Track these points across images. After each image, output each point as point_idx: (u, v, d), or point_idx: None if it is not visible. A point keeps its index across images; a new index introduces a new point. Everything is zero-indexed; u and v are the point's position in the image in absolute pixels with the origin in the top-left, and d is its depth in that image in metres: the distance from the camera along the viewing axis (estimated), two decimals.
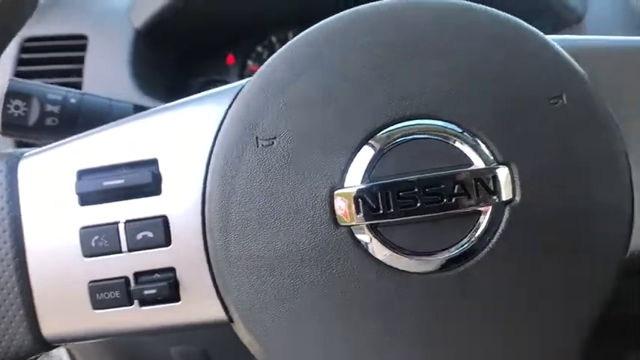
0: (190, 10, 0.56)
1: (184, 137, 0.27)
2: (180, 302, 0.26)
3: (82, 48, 0.54)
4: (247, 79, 0.28)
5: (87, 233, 0.26)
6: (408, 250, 0.25)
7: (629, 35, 0.55)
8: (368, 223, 0.25)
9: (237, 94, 0.27)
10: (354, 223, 0.25)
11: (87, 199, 0.27)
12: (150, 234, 0.26)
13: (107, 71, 0.49)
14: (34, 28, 0.58)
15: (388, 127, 0.25)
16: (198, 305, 0.27)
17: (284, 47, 0.27)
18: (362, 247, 0.25)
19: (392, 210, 0.24)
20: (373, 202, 0.24)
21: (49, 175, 0.28)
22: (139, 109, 0.42)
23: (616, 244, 0.25)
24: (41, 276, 0.27)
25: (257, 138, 0.25)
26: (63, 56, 0.55)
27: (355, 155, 0.25)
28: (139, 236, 0.26)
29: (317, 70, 0.26)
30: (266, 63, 0.27)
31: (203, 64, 0.69)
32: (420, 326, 0.25)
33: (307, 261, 0.25)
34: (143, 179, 0.26)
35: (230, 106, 0.27)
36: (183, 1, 0.55)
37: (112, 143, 0.27)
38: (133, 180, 0.26)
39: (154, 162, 0.27)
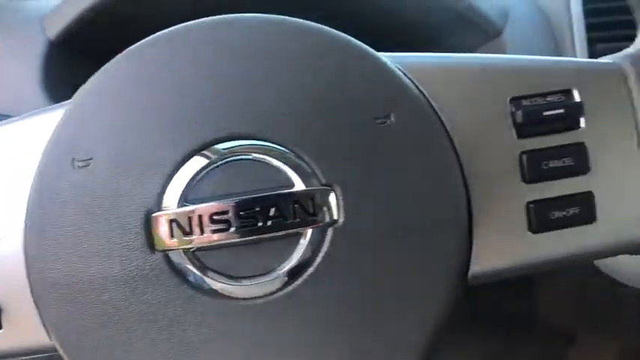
0: (110, 18, 0.55)
1: (15, 154, 0.26)
2: (1, 330, 0.26)
3: None
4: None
5: None
6: (226, 275, 0.24)
7: (546, 52, 0.53)
8: (182, 247, 0.24)
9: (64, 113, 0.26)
10: (168, 247, 0.24)
11: None
12: None
13: (16, 82, 0.48)
14: None
15: (207, 147, 0.24)
16: (23, 332, 0.26)
17: (109, 62, 0.26)
18: (179, 273, 0.24)
19: (205, 234, 0.23)
20: (187, 226, 0.23)
21: None
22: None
23: (451, 260, 0.24)
24: None
25: (73, 159, 0.24)
26: None
27: (172, 178, 0.24)
28: None
29: (136, 89, 0.25)
30: (89, 80, 0.26)
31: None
32: (241, 352, 0.24)
33: (122, 287, 0.24)
34: None
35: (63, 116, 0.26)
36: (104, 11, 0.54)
37: None
38: None
39: None
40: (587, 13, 0.53)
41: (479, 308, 0.60)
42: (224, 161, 0.24)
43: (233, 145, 0.24)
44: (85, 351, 0.24)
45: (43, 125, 0.26)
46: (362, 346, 0.24)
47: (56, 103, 0.54)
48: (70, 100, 0.27)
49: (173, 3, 0.56)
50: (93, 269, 0.24)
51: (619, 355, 0.64)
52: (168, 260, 0.24)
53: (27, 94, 0.50)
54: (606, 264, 0.50)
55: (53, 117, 0.26)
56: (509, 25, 0.55)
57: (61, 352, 0.25)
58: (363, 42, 0.26)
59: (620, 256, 0.29)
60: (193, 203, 0.24)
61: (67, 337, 0.24)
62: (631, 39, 0.31)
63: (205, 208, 0.23)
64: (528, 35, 0.56)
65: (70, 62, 0.56)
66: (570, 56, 0.52)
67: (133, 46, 0.26)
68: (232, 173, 0.24)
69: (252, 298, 0.24)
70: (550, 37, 0.54)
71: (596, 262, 0.48)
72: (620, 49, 0.30)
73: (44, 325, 0.25)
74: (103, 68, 0.26)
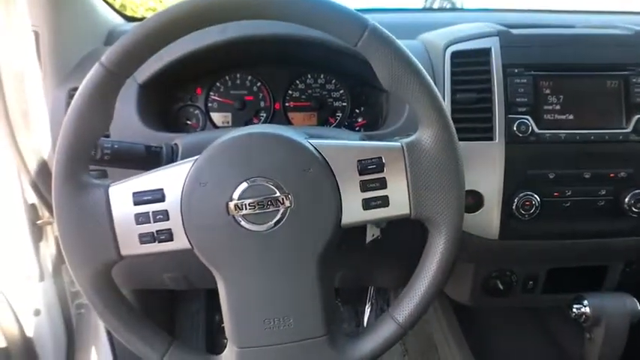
0: (175, 67, 0.80)
1: (174, 179, 0.56)
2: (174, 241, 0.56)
3: None
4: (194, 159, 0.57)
5: (136, 216, 0.56)
6: (254, 223, 0.57)
7: None
8: (238, 214, 0.57)
9: (192, 165, 0.56)
10: (233, 214, 0.57)
11: (136, 203, 0.56)
12: (162, 217, 0.57)
13: (122, 113, 0.71)
14: (77, 81, 0.80)
15: (248, 180, 0.57)
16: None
17: (216, 145, 0.58)
18: (237, 222, 0.57)
19: (247, 209, 0.57)
20: (240, 206, 0.57)
21: (122, 192, 0.57)
22: (148, 148, 0.70)
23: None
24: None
25: (200, 182, 0.57)
26: None
27: (235, 189, 0.57)
28: (157, 217, 0.57)
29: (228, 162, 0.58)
30: (206, 150, 0.57)
31: (179, 94, 0.93)
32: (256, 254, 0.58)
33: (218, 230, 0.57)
34: (156, 196, 0.56)
35: (192, 165, 0.57)
36: (177, 63, 0.79)
37: (144, 181, 0.57)
38: (154, 196, 0.56)
39: (161, 189, 0.56)
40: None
41: None
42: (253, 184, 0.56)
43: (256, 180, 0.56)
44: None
45: (181, 171, 0.57)
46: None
47: (143, 122, 0.86)
48: (194, 159, 0.57)
49: (233, 52, 0.85)
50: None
51: None
52: (234, 218, 0.55)
53: (129, 122, 0.75)
54: None
55: (185, 167, 0.56)
56: None
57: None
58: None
59: None
60: (243, 198, 0.56)
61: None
62: None
63: (246, 201, 0.56)
64: None
65: (149, 93, 0.82)
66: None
67: (233, 135, 0.57)
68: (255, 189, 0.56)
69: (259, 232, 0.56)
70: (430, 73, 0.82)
71: None
72: None
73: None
74: (216, 145, 0.57)
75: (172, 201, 0.56)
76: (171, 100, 0.94)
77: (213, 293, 0.60)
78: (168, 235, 0.56)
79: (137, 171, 0.62)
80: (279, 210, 0.55)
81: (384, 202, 0.57)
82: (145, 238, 0.56)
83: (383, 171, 0.56)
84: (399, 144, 0.57)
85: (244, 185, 0.55)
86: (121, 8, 1.07)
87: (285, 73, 0.95)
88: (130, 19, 1.08)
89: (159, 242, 0.56)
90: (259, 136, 0.57)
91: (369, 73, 0.90)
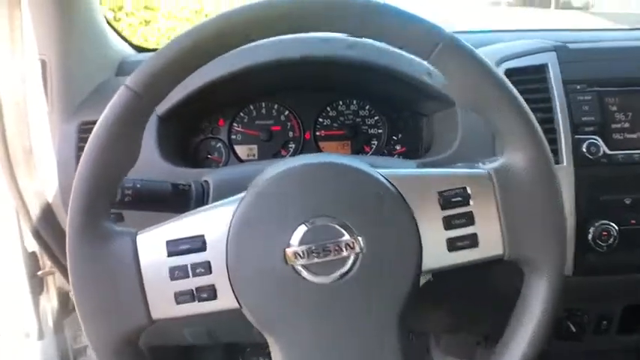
0: (197, 96, 0.72)
1: (216, 223, 0.47)
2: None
3: None
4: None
5: (172, 269, 0.46)
6: (317, 274, 0.46)
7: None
8: (299, 263, 0.46)
9: (238, 205, 0.47)
10: (292, 262, 0.46)
11: (171, 254, 0.46)
12: (203, 269, 0.46)
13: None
14: (88, 114, 0.74)
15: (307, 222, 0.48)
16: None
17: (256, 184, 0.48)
18: (296, 272, 0.46)
19: (308, 258, 0.47)
20: (301, 254, 0.46)
21: (152, 241, 0.47)
22: (175, 186, 0.62)
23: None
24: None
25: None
26: None
27: (293, 233, 0.47)
28: (197, 270, 0.46)
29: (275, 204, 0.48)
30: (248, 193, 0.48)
31: (200, 126, 0.85)
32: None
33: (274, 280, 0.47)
34: (196, 244, 0.46)
35: (238, 205, 0.47)
36: (200, 91, 0.72)
37: (179, 226, 0.47)
38: (193, 244, 0.46)
39: (202, 235, 0.46)
40: None
41: None
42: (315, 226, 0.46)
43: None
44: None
45: (224, 213, 0.47)
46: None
47: (163, 156, 0.75)
48: (241, 195, 0.48)
49: (261, 78, 0.77)
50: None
51: None
52: (293, 268, 0.46)
53: (148, 158, 0.67)
54: None
55: (229, 209, 0.47)
56: None
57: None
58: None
59: None
60: (304, 244, 0.46)
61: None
62: None
63: (308, 247, 0.45)
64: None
65: (169, 126, 0.73)
66: None
67: (285, 167, 0.48)
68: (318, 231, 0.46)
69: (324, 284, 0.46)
70: None
71: None
72: None
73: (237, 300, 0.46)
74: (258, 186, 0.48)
75: (215, 250, 0.46)
76: (192, 132, 0.85)
77: (234, 345, 0.51)
78: (210, 293, 0.46)
79: (156, 214, 0.53)
80: (348, 257, 0.46)
81: (472, 241, 0.47)
82: (183, 297, 0.46)
83: (469, 204, 0.47)
84: (485, 171, 0.48)
85: (304, 227, 0.46)
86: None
87: (315, 100, 0.87)
88: (141, 49, 1.00)
89: (199, 301, 0.46)
90: (319, 167, 0.48)
91: (408, 96, 0.83)
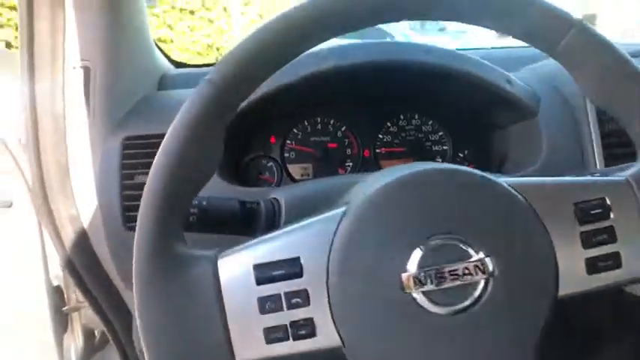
0: (253, 109, 0.65)
1: (313, 244, 0.39)
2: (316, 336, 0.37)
3: None
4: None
5: (262, 300, 0.38)
6: (438, 303, 0.38)
7: (571, 135, 0.66)
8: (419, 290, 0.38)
9: (341, 219, 0.39)
10: (411, 290, 0.38)
11: (261, 281, 0.38)
12: (299, 300, 0.38)
13: None
14: (133, 129, 0.67)
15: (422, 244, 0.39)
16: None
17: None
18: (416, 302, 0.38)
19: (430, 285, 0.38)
20: (421, 280, 0.38)
21: (237, 266, 0.39)
22: (243, 204, 0.55)
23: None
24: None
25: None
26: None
27: (409, 258, 0.38)
28: (293, 300, 0.37)
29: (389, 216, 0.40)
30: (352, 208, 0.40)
31: (251, 143, 0.78)
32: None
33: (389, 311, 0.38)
34: (292, 269, 0.38)
35: (337, 228, 0.39)
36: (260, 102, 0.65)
37: (269, 247, 0.39)
38: (288, 269, 0.38)
39: (297, 258, 0.38)
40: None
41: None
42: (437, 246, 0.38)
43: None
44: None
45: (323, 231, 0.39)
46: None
47: (218, 174, 0.67)
48: (341, 210, 0.40)
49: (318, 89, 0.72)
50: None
51: None
52: (412, 297, 0.38)
53: None
54: None
55: (328, 227, 0.39)
56: (542, 109, 0.69)
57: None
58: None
59: None
60: (424, 267, 0.38)
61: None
62: None
63: (429, 271, 0.37)
64: (557, 120, 0.70)
65: (227, 146, 0.66)
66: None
67: (395, 177, 0.40)
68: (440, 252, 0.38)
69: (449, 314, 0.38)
70: (573, 125, 0.69)
71: None
72: None
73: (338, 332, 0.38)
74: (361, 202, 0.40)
75: (313, 276, 0.38)
76: (242, 150, 0.78)
77: None
78: (309, 328, 0.38)
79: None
80: (478, 281, 0.38)
81: (615, 261, 0.40)
82: (275, 335, 0.38)
83: (609, 217, 0.41)
84: (623, 178, 0.42)
85: (423, 247, 0.38)
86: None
87: (373, 115, 0.80)
88: (179, 65, 0.94)
89: (294, 340, 0.38)
90: (439, 175, 0.41)
91: (483, 106, 0.75)
